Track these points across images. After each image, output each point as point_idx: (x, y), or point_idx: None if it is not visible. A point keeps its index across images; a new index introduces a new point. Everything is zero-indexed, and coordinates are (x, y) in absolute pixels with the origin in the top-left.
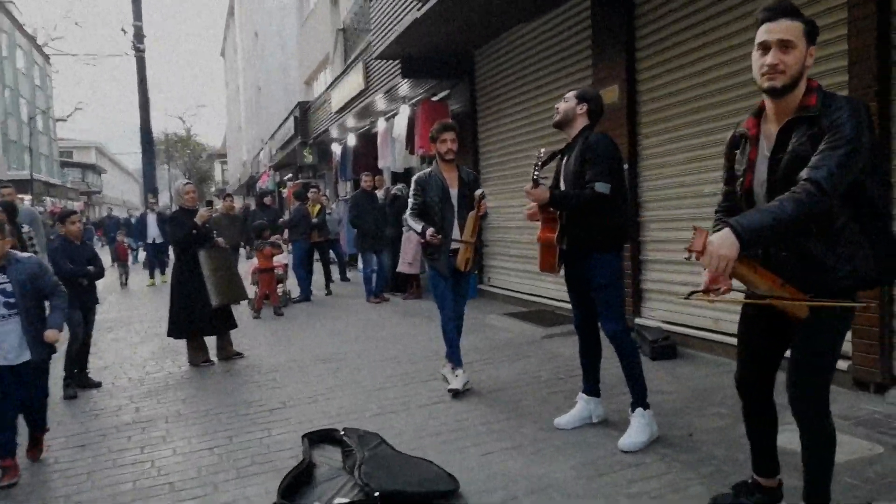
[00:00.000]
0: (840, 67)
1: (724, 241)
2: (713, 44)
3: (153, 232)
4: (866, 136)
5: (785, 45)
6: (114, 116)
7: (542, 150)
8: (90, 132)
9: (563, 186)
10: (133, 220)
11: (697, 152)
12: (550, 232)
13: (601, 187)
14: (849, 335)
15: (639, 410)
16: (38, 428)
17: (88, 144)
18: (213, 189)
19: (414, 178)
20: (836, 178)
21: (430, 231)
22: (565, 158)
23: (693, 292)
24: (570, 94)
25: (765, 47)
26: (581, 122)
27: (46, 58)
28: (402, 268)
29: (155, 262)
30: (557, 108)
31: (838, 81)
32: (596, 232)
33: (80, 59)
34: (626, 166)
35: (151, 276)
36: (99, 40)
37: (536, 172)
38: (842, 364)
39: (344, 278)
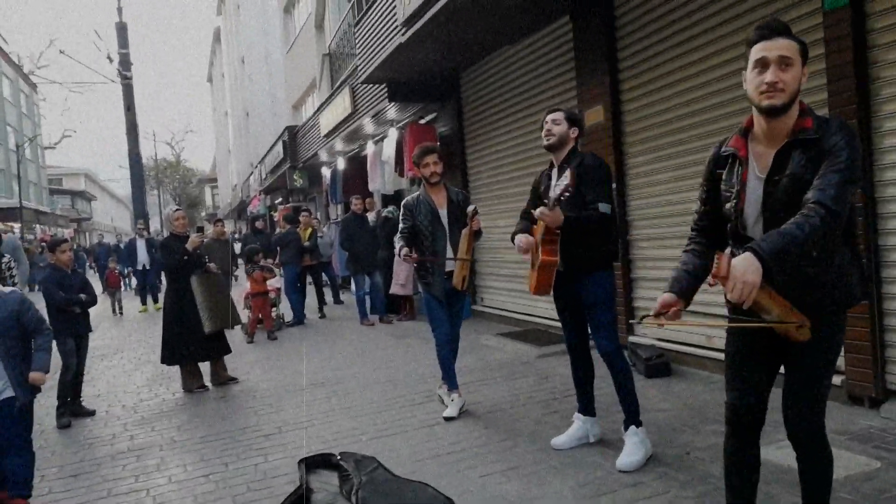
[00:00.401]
0: (820, 85)
1: (748, 266)
2: (695, 64)
3: (142, 258)
4: (860, 159)
5: (785, 63)
6: (103, 143)
7: (567, 175)
8: (79, 159)
9: (540, 209)
10: (122, 246)
11: (683, 171)
12: (553, 255)
13: (604, 208)
14: (841, 350)
15: (632, 429)
16: (19, 489)
17: (77, 171)
18: (203, 214)
19: (402, 203)
20: (843, 200)
21: (403, 251)
22: (552, 179)
23: (644, 316)
24: (560, 116)
25: (763, 64)
26: (570, 144)
27: (33, 86)
28: (394, 289)
29: (146, 288)
30: (551, 131)
31: (818, 99)
32: (593, 252)
33: (67, 86)
34: (613, 185)
35: (143, 302)
36: (82, 69)
37: (567, 194)
38: (835, 379)
39: (337, 301)
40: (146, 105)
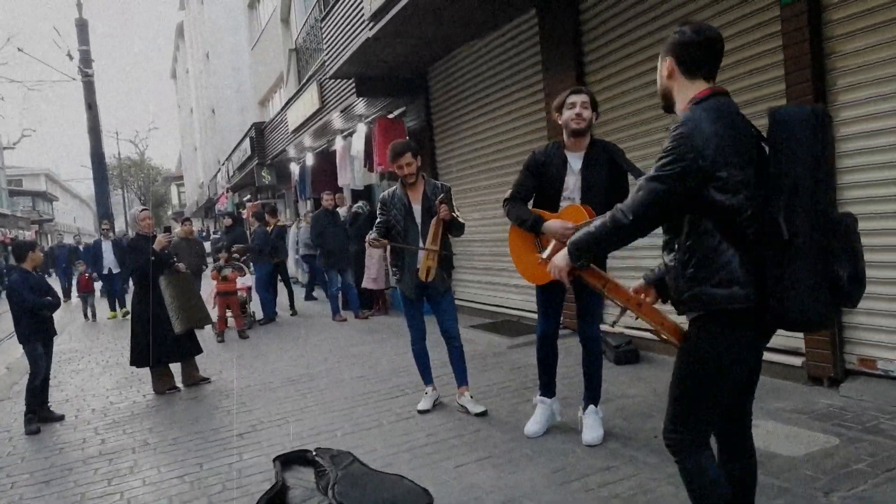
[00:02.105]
0: (777, 77)
1: (561, 254)
2: (657, 57)
3: (108, 261)
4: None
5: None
6: (63, 142)
7: None
8: (39, 159)
9: (577, 195)
10: (81, 248)
11: (650, 161)
12: None
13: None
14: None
15: (592, 407)
16: None
17: (38, 172)
18: (170, 213)
19: (380, 198)
20: (637, 204)
21: (372, 236)
22: (572, 166)
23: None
24: (587, 100)
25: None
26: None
27: None
28: (366, 283)
29: (115, 293)
30: (582, 116)
31: (777, 90)
32: None
33: (26, 84)
34: None
35: (112, 307)
36: (41, 67)
37: None
38: (796, 360)
39: (309, 297)
40: (108, 102)
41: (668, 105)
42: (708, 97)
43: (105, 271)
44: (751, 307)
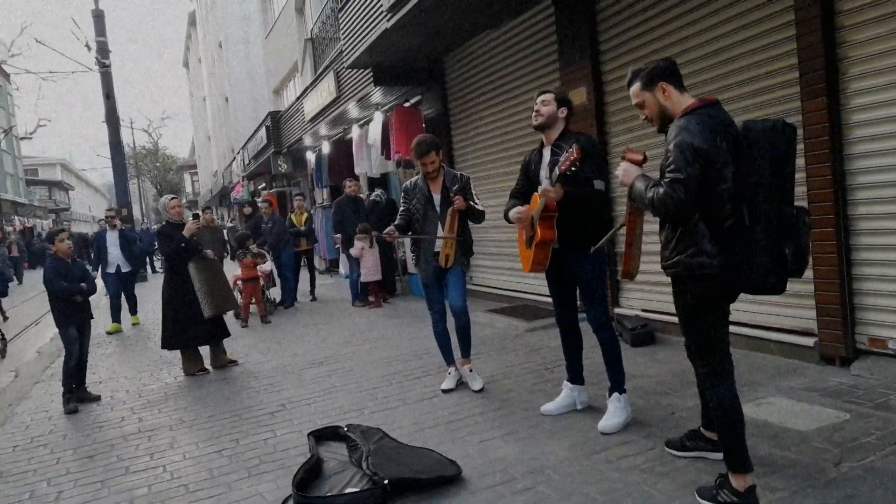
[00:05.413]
0: (792, 65)
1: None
2: (674, 45)
3: (115, 256)
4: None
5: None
6: (78, 131)
7: (573, 149)
8: (54, 148)
9: (543, 184)
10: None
11: (662, 149)
12: (552, 232)
13: (599, 184)
14: (814, 313)
15: (615, 395)
16: None
17: (53, 161)
18: (184, 201)
19: (402, 187)
20: (663, 209)
21: (388, 229)
22: (545, 159)
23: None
24: (549, 97)
25: None
26: (561, 125)
27: (6, 76)
28: (365, 276)
29: (120, 297)
30: (539, 112)
31: (790, 78)
32: (587, 228)
33: (41, 75)
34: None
35: (115, 318)
36: (56, 56)
37: (574, 168)
38: (808, 341)
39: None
40: (121, 91)
41: (665, 124)
42: (698, 108)
43: (112, 269)
44: (715, 273)
